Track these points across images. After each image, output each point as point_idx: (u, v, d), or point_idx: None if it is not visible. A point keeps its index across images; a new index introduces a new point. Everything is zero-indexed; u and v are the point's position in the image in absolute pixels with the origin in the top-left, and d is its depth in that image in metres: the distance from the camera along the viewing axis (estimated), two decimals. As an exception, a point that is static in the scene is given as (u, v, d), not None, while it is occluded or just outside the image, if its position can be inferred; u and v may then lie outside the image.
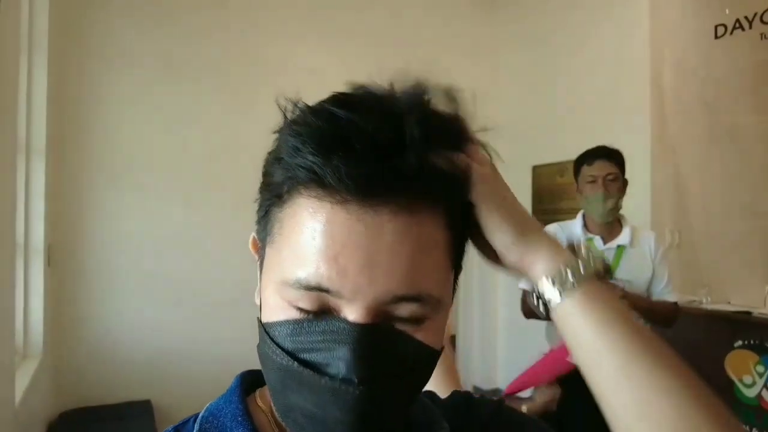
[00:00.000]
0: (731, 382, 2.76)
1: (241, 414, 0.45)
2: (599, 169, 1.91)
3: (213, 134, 3.07)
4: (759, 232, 4.01)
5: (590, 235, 1.98)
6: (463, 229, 0.44)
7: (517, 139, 4.16)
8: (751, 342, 2.70)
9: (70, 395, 2.65)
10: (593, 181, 1.90)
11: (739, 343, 2.75)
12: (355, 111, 0.37)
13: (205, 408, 0.48)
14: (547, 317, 0.46)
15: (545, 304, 0.45)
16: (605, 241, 1.94)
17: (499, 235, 0.44)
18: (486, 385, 4.20)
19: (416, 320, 0.39)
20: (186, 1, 3.01)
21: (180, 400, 2.75)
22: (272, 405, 0.45)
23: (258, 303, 0.45)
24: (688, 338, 2.99)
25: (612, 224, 1.95)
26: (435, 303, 0.40)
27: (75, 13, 2.68)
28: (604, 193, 1.89)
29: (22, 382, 1.99)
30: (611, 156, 1.92)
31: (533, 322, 1.84)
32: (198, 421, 0.46)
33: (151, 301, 2.84)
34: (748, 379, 2.71)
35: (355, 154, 0.36)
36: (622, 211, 2.97)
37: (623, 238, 1.92)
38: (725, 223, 3.61)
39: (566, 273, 0.43)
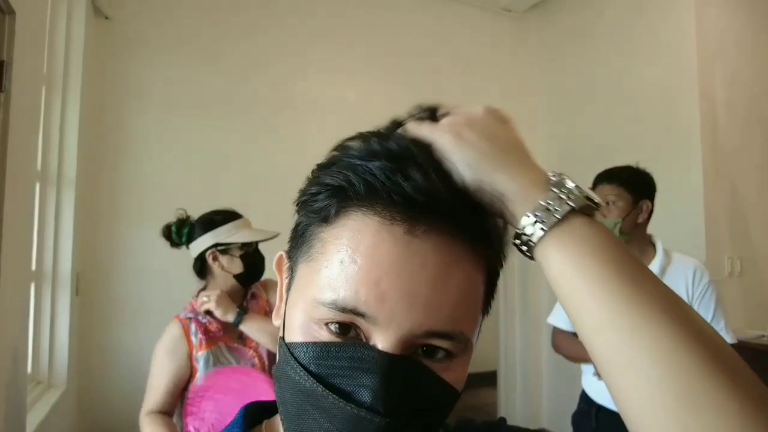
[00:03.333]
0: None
1: None
2: (598, 192, 1.79)
3: (238, 170, 3.10)
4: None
5: None
6: (496, 276, 0.43)
7: (560, 164, 4.00)
8: (831, 385, 2.37)
9: (94, 426, 2.64)
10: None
11: (817, 385, 2.42)
12: (412, 146, 0.40)
13: None
14: (531, 259, 0.40)
15: (527, 244, 0.40)
16: None
17: (463, 167, 0.39)
18: (528, 425, 3.92)
19: (444, 358, 0.39)
20: (216, 41, 3.09)
21: None
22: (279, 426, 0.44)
23: (279, 323, 0.44)
24: (759, 377, 2.68)
25: (642, 252, 1.75)
26: (465, 343, 0.39)
27: (108, 52, 2.80)
28: (601, 213, 1.74)
29: (42, 411, 1.99)
30: (612, 178, 1.77)
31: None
32: None
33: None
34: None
35: (420, 173, 0.37)
36: (672, 236, 2.74)
37: (652, 268, 1.72)
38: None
39: (548, 205, 0.38)
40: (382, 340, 0.36)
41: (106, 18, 2.77)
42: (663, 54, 3.19)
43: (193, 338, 1.49)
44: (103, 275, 2.73)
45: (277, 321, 0.45)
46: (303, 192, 0.43)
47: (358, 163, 0.39)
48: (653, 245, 1.78)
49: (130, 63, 2.86)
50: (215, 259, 1.56)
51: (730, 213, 3.03)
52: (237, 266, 1.55)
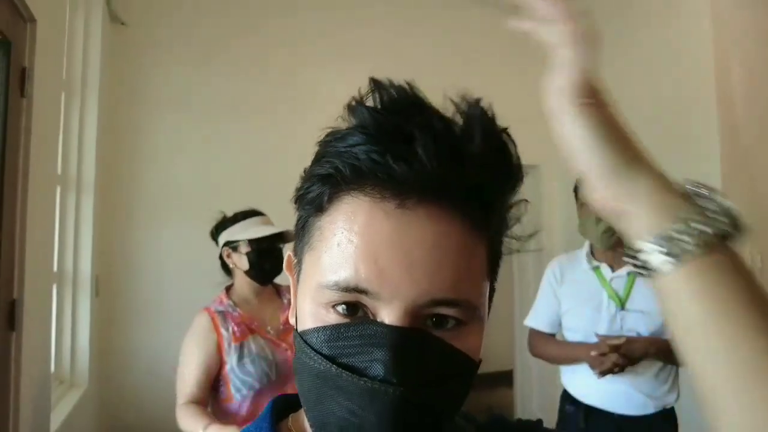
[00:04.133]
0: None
1: None
2: None
3: (254, 171, 3.12)
4: None
5: (596, 263, 1.79)
6: (499, 246, 0.43)
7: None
8: None
9: (115, 424, 2.68)
10: (583, 204, 1.74)
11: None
12: (416, 106, 0.38)
13: None
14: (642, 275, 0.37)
15: (645, 267, 0.37)
16: (614, 268, 1.75)
17: (592, 154, 0.38)
18: (546, 425, 3.90)
19: (453, 327, 0.39)
20: (230, 44, 3.11)
21: (223, 433, 2.72)
22: (306, 424, 0.44)
23: (294, 321, 0.45)
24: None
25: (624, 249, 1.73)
26: (472, 311, 0.39)
27: (125, 58, 2.84)
28: (592, 219, 1.71)
29: (65, 409, 2.04)
30: None
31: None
32: None
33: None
34: None
35: (406, 153, 0.36)
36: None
37: None
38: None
39: (679, 236, 0.34)
40: (388, 314, 0.37)
41: (123, 24, 2.81)
42: (679, 53, 3.15)
43: (222, 330, 1.51)
44: (121, 277, 2.78)
45: (292, 319, 0.46)
46: (298, 188, 0.44)
47: (343, 149, 0.39)
48: None
49: (145, 67, 2.90)
50: (228, 256, 1.62)
51: (750, 209, 2.98)
52: (245, 263, 1.57)
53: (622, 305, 1.70)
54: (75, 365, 2.36)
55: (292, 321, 0.46)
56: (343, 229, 0.38)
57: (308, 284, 0.41)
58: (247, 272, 1.59)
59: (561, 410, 1.90)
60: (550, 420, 3.76)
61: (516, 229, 0.44)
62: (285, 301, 1.68)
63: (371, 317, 0.38)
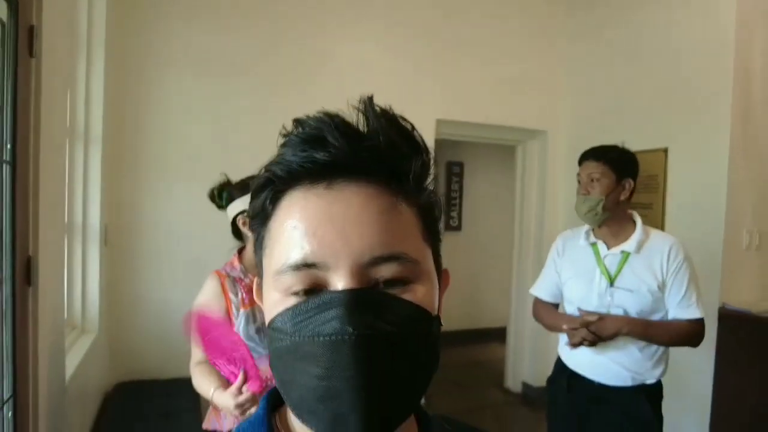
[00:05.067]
0: (810, 404, 2.48)
1: None
2: (584, 169, 1.81)
3: (257, 129, 3.11)
4: None
5: (594, 240, 1.84)
6: (424, 207, 0.47)
7: (585, 129, 3.93)
8: (838, 362, 2.41)
9: (125, 368, 2.82)
10: (580, 184, 1.81)
11: (822, 361, 2.45)
12: (326, 119, 0.44)
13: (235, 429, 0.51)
14: None
15: None
16: (609, 246, 1.80)
17: None
18: (536, 383, 4.06)
19: (401, 283, 0.42)
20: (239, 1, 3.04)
21: (227, 379, 2.86)
22: (289, 415, 0.48)
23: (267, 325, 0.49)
24: (763, 348, 2.72)
25: (622, 228, 1.79)
26: (414, 264, 0.43)
27: (131, 13, 2.78)
28: (583, 195, 1.78)
29: (78, 354, 2.15)
30: (598, 156, 1.78)
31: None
32: None
33: (199, 285, 2.96)
34: (830, 403, 2.42)
35: (326, 144, 0.43)
36: (692, 204, 2.74)
37: (629, 244, 1.75)
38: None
39: None
40: (338, 280, 0.41)
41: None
42: (700, 16, 3.05)
43: (231, 295, 1.55)
44: (129, 228, 2.84)
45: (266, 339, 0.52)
46: (246, 215, 0.51)
47: (275, 161, 0.46)
48: (633, 222, 1.81)
49: (154, 23, 2.84)
50: (245, 223, 1.61)
51: (756, 186, 2.98)
52: None
53: (611, 282, 1.76)
54: (86, 312, 2.46)
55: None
56: (285, 221, 0.44)
57: (269, 280, 0.45)
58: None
59: (553, 371, 2.00)
60: (539, 374, 3.91)
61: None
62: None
63: (326, 290, 0.42)
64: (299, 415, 0.44)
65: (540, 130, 4.07)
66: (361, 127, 0.45)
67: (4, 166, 1.31)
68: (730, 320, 2.84)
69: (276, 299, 0.44)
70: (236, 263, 1.61)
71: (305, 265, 0.41)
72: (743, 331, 2.80)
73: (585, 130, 3.90)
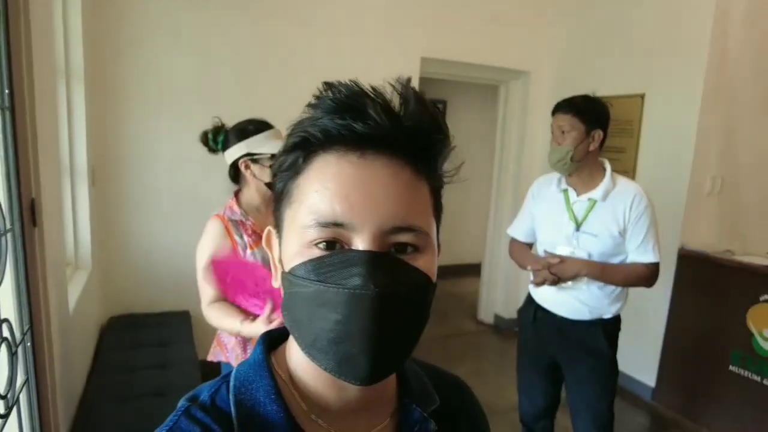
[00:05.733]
0: (750, 334, 2.77)
1: (274, 392, 0.52)
2: (555, 120, 1.88)
3: (250, 65, 3.07)
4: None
5: (565, 187, 1.95)
6: (437, 187, 0.53)
7: (567, 71, 3.97)
8: (778, 297, 2.67)
9: (117, 303, 2.91)
10: (552, 134, 1.90)
11: (766, 297, 2.71)
12: (369, 92, 0.48)
13: (233, 375, 0.54)
14: None
15: None
16: (578, 193, 1.92)
17: None
18: (507, 315, 4.34)
19: (413, 251, 0.48)
20: None
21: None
22: (287, 356, 0.54)
23: (278, 285, 0.54)
24: (715, 286, 2.98)
25: (591, 176, 1.90)
26: (425, 237, 0.48)
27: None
28: (553, 145, 1.88)
29: (75, 290, 2.23)
30: (569, 108, 1.84)
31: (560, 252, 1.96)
32: (232, 392, 0.52)
33: (188, 221, 3.01)
34: None
35: (365, 117, 0.46)
36: (662, 148, 2.87)
37: (596, 192, 1.86)
38: (774, 172, 3.43)
39: None
40: (360, 241, 0.46)
41: None
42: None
43: (236, 237, 1.59)
44: (115, 165, 2.83)
45: (276, 284, 0.55)
46: (273, 164, 0.53)
47: (312, 122, 0.48)
48: (603, 170, 1.91)
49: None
50: (247, 167, 1.63)
51: (723, 135, 3.12)
52: (267, 175, 1.62)
53: (578, 227, 1.89)
54: (78, 250, 2.51)
55: (276, 285, 0.55)
56: (318, 180, 0.47)
57: (292, 230, 0.49)
58: (269, 183, 1.63)
59: (523, 303, 2.18)
60: (510, 306, 4.19)
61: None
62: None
63: (348, 247, 0.47)
64: (310, 353, 0.49)
65: (523, 71, 4.09)
66: (394, 104, 0.48)
67: (4, 112, 1.32)
68: (688, 260, 3.07)
69: (297, 249, 0.48)
70: (235, 207, 1.65)
71: (334, 224, 0.46)
72: (698, 270, 3.05)
73: (567, 73, 3.95)
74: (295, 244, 0.49)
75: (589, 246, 1.86)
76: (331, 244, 0.47)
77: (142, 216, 2.93)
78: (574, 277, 1.84)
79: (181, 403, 0.52)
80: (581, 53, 3.83)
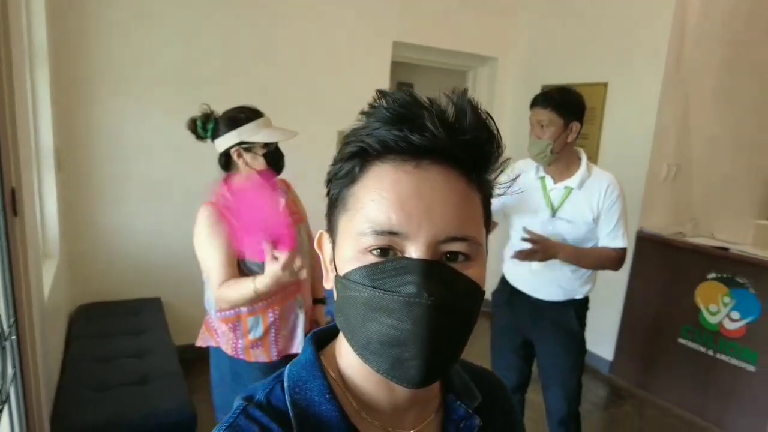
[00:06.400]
0: (698, 309, 2.99)
1: (328, 391, 0.53)
2: (534, 115, 1.94)
3: (223, 50, 3.00)
4: (756, 171, 4.08)
5: (543, 174, 2.02)
6: (488, 196, 0.54)
7: (533, 59, 4.06)
8: (724, 275, 2.89)
9: (87, 291, 2.84)
10: (531, 126, 1.96)
11: (713, 275, 2.93)
12: (425, 104, 0.49)
13: (286, 376, 0.55)
14: None
15: None
16: (555, 181, 2.00)
17: None
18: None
19: (464, 260, 0.49)
20: None
21: (186, 298, 2.97)
22: (337, 355, 0.56)
23: (330, 286, 0.56)
24: (668, 265, 3.19)
25: (568, 165, 1.98)
26: (477, 246, 0.49)
27: None
28: (533, 138, 1.94)
29: (47, 279, 2.16)
30: (548, 102, 1.91)
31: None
32: (287, 392, 0.53)
33: (158, 206, 2.95)
34: (713, 308, 2.93)
35: (423, 129, 0.47)
36: (625, 138, 3.01)
37: (573, 180, 1.95)
38: (725, 159, 3.67)
39: None
40: (415, 250, 0.46)
41: None
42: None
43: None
44: (82, 150, 2.73)
45: (328, 285, 0.56)
46: (330, 172, 0.54)
47: (368, 132, 0.49)
48: (579, 159, 2.00)
49: None
50: (240, 156, 1.62)
51: (679, 123, 3.31)
52: (260, 163, 1.63)
53: (554, 213, 1.99)
54: (46, 236, 2.43)
55: (328, 286, 0.56)
56: (374, 189, 0.48)
57: (348, 236, 0.50)
58: (260, 171, 1.64)
59: (497, 286, 2.26)
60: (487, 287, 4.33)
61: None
62: (281, 199, 1.75)
63: (402, 256, 0.47)
64: (363, 355, 0.50)
65: (491, 57, 4.17)
66: (449, 115, 0.49)
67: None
68: (645, 242, 3.27)
69: (351, 255, 0.49)
70: (227, 194, 1.64)
71: (389, 233, 0.47)
72: (654, 251, 3.25)
73: (533, 60, 4.05)
74: (350, 249, 0.49)
75: (564, 231, 1.96)
76: (385, 251, 0.48)
77: (111, 202, 2.85)
78: (550, 258, 1.93)
79: (238, 402, 0.53)
80: (548, 41, 3.93)
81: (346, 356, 0.55)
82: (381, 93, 0.51)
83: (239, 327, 1.66)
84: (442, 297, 0.46)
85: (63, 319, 2.55)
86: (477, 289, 0.50)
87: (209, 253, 1.57)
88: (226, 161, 1.67)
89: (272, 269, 1.41)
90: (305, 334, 1.74)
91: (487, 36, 4.05)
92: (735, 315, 2.84)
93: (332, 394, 0.53)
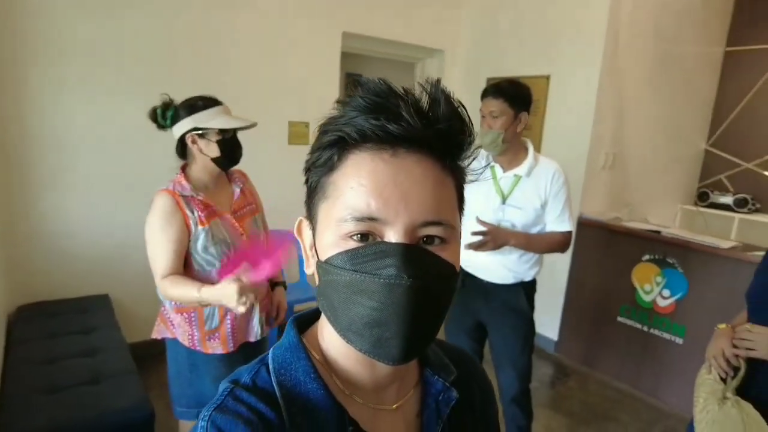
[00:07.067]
0: (634, 289, 3.22)
1: (313, 371, 0.55)
2: (485, 105, 2.01)
3: (168, 39, 2.90)
4: (685, 159, 4.40)
5: (493, 163, 2.10)
6: (461, 182, 0.56)
7: (478, 52, 4.17)
8: (656, 257, 3.11)
9: (27, 290, 2.69)
10: (483, 117, 2.03)
11: (647, 257, 3.16)
12: (401, 94, 0.50)
13: (270, 358, 0.57)
14: None
15: None
16: (505, 169, 2.08)
17: None
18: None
19: (440, 243, 0.51)
20: None
21: (136, 294, 2.88)
22: (320, 338, 0.58)
23: (311, 271, 0.57)
24: (607, 248, 3.39)
25: (516, 155, 2.07)
26: (452, 230, 0.51)
27: None
28: (484, 128, 2.01)
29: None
30: (499, 93, 1.98)
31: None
32: (273, 374, 0.55)
33: (102, 198, 2.83)
34: (648, 287, 3.16)
35: (400, 118, 0.48)
36: (567, 129, 3.16)
37: (521, 169, 2.05)
38: (655, 148, 3.94)
39: None
40: (393, 234, 0.49)
41: None
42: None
43: (188, 212, 1.58)
44: (17, 145, 2.58)
45: (309, 270, 0.59)
46: (308, 161, 0.55)
47: (346, 121, 0.50)
48: (526, 149, 2.10)
49: None
50: (194, 142, 1.62)
51: (615, 113, 3.51)
52: (214, 150, 1.63)
53: (504, 200, 2.08)
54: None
55: (309, 272, 0.58)
56: (353, 177, 0.50)
57: (328, 223, 0.52)
58: (215, 159, 1.64)
59: None
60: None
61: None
62: (237, 189, 1.75)
63: (381, 240, 0.49)
64: (345, 336, 0.52)
65: (438, 50, 4.25)
66: (423, 104, 0.50)
67: None
68: (586, 227, 3.46)
69: (332, 240, 0.51)
70: (184, 182, 1.62)
71: (369, 218, 0.49)
72: (594, 236, 3.45)
73: (479, 53, 4.16)
74: (331, 235, 0.51)
75: (514, 218, 2.06)
76: (364, 237, 0.50)
77: (52, 197, 2.70)
78: (502, 246, 2.02)
79: (224, 385, 0.55)
80: (492, 35, 4.05)
81: (329, 338, 0.57)
82: (356, 82, 0.52)
83: (195, 317, 1.66)
84: (421, 278, 0.48)
85: (1, 321, 2.41)
86: (452, 270, 0.52)
87: (158, 241, 1.56)
88: (182, 148, 1.66)
89: (230, 287, 1.44)
90: (260, 323, 1.76)
91: (434, 28, 4.12)
92: (666, 293, 3.07)
93: (317, 374, 0.55)
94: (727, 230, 4.21)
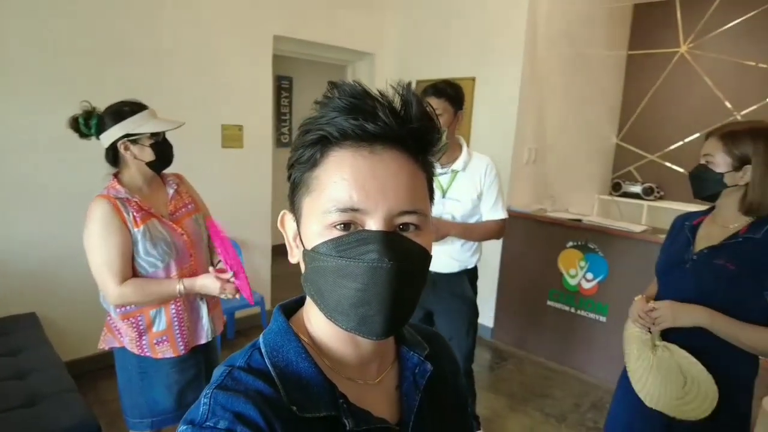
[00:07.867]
0: (561, 274, 3.47)
1: (303, 352, 0.60)
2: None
3: (93, 38, 2.77)
4: (599, 153, 4.79)
5: None
6: (431, 175, 0.63)
7: (407, 55, 4.30)
8: (579, 243, 3.38)
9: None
10: None
11: (570, 243, 3.41)
12: (378, 97, 0.56)
13: (261, 343, 0.61)
14: None
15: None
16: (442, 165, 2.20)
17: None
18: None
19: (415, 229, 0.56)
20: None
21: (66, 311, 2.72)
22: (306, 321, 0.63)
23: (296, 260, 0.63)
24: (534, 238, 3.63)
25: (452, 151, 2.19)
26: (425, 218, 0.57)
27: None
28: None
29: None
30: (440, 93, 2.08)
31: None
32: (266, 356, 0.59)
33: (27, 212, 2.66)
34: (573, 272, 3.42)
35: (376, 118, 0.54)
36: (492, 127, 3.34)
37: (458, 164, 2.17)
38: (572, 143, 4.26)
39: None
40: (374, 223, 0.54)
41: None
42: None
43: (125, 215, 1.55)
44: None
45: (293, 260, 0.64)
46: (291, 158, 0.60)
47: (327, 121, 0.55)
48: (460, 145, 2.23)
49: None
50: (127, 148, 1.60)
51: (535, 111, 3.77)
52: (148, 155, 1.61)
53: (444, 194, 2.20)
54: None
55: (293, 261, 0.64)
56: (335, 172, 0.55)
57: (313, 215, 0.57)
58: (150, 163, 1.62)
59: None
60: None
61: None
62: (171, 190, 1.74)
63: (361, 229, 0.55)
64: (332, 317, 0.57)
65: (368, 53, 4.34)
66: (395, 105, 0.56)
67: None
68: (513, 219, 3.67)
69: (317, 230, 0.56)
70: (118, 186, 1.59)
71: (351, 209, 0.54)
72: (521, 226, 3.68)
73: (408, 56, 4.30)
74: (316, 225, 0.56)
75: (454, 210, 2.18)
76: (347, 226, 0.55)
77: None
78: (444, 237, 2.13)
79: (221, 369, 0.58)
80: (419, 38, 4.20)
81: (315, 321, 0.62)
82: (332, 84, 0.57)
83: (142, 322, 1.64)
84: (400, 261, 0.54)
85: None
86: (426, 254, 0.59)
87: (104, 249, 1.53)
88: (113, 156, 1.62)
89: (213, 282, 1.62)
90: (210, 322, 1.77)
91: (363, 32, 4.21)
92: (589, 276, 3.34)
93: (307, 354, 0.60)
94: (638, 216, 4.63)
